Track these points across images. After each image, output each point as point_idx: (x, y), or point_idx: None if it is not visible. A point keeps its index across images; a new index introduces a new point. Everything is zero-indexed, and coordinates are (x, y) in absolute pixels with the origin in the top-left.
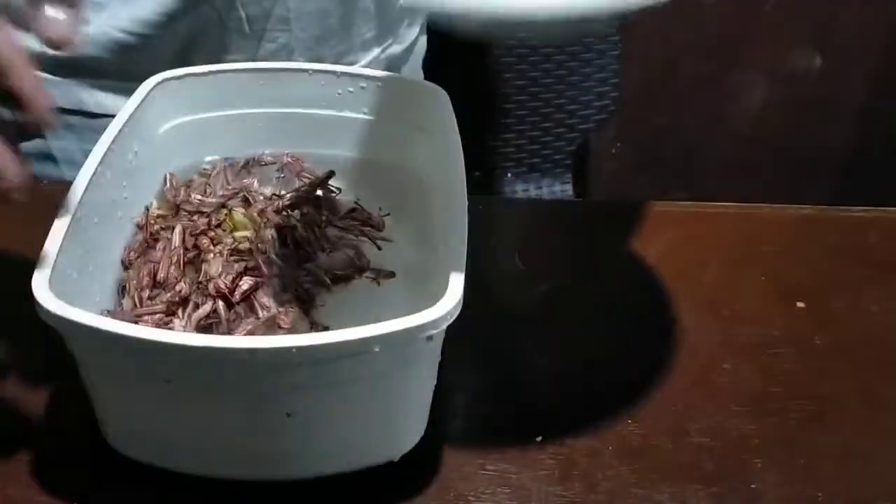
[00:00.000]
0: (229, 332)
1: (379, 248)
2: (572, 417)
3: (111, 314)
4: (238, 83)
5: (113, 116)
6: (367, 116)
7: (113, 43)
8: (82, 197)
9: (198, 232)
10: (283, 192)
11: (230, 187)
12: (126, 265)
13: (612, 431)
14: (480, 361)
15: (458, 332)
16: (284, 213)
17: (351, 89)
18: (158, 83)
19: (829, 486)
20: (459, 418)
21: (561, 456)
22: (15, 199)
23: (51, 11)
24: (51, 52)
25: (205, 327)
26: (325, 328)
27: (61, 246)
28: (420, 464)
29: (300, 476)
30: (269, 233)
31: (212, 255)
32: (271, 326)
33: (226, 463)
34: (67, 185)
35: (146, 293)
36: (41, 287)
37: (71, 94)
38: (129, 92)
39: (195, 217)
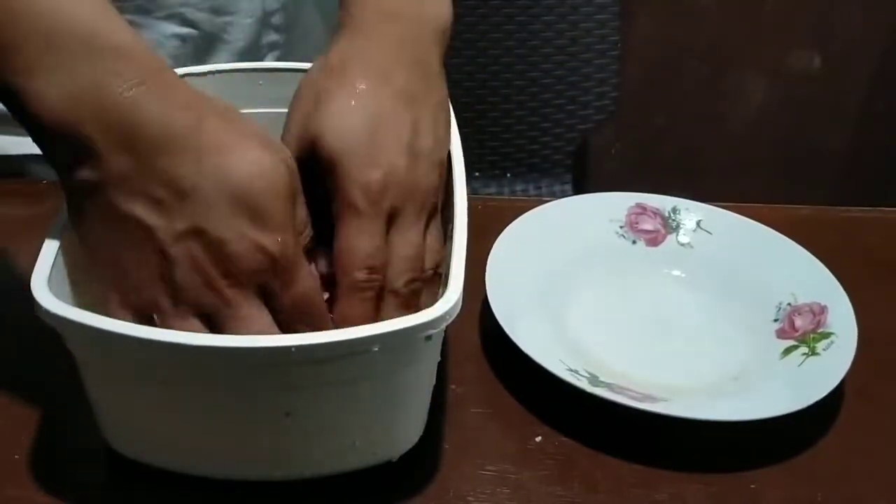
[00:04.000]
0: None
1: None
2: (572, 417)
3: None
4: (238, 83)
5: None
6: None
7: None
8: None
9: None
10: None
11: None
12: None
13: (613, 431)
14: (480, 360)
15: (457, 331)
16: None
17: None
18: None
19: (829, 486)
20: (459, 418)
21: (561, 456)
22: None
23: None
24: None
25: None
26: None
27: (61, 246)
28: (420, 464)
29: (299, 476)
30: None
31: None
32: None
33: (225, 463)
34: None
35: None
36: (41, 287)
37: None
38: None
39: None
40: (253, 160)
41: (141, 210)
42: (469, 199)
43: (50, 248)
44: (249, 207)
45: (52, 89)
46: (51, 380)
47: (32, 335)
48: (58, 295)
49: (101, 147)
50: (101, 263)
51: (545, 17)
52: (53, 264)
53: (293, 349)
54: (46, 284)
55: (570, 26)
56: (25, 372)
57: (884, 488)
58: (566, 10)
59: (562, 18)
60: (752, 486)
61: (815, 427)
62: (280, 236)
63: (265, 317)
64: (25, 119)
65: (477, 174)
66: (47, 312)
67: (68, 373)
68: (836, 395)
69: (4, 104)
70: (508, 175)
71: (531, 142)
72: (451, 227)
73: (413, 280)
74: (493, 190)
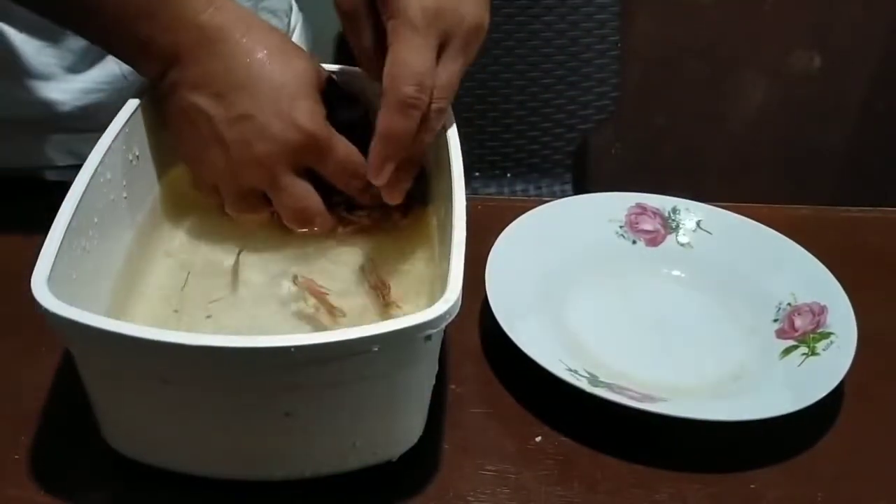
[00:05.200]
0: None
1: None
2: (572, 417)
3: None
4: None
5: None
6: None
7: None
8: (82, 197)
9: None
10: None
11: None
12: None
13: (613, 431)
14: (480, 360)
15: (457, 331)
16: None
17: None
18: None
19: (829, 486)
20: (459, 418)
21: (561, 456)
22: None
23: None
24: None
25: None
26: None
27: (61, 246)
28: (419, 464)
29: (299, 476)
30: None
31: None
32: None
33: (225, 463)
34: (67, 185)
35: None
36: (41, 287)
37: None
38: None
39: None
40: (288, 61)
41: (205, 102)
42: (469, 199)
43: (50, 248)
44: (287, 97)
45: (157, 29)
46: (51, 380)
47: (32, 335)
48: (58, 295)
49: (183, 61)
50: (182, 150)
51: (545, 17)
52: (53, 264)
53: (293, 349)
54: (46, 284)
55: (570, 26)
56: (25, 372)
57: (884, 488)
58: (566, 10)
59: (562, 18)
60: (752, 486)
61: (815, 427)
62: (312, 117)
63: (308, 187)
64: (130, 53)
65: (477, 174)
66: (47, 312)
67: (68, 373)
68: (836, 395)
69: (113, 48)
70: (508, 175)
71: (531, 142)
72: (449, 228)
73: (442, 110)
74: (493, 190)
